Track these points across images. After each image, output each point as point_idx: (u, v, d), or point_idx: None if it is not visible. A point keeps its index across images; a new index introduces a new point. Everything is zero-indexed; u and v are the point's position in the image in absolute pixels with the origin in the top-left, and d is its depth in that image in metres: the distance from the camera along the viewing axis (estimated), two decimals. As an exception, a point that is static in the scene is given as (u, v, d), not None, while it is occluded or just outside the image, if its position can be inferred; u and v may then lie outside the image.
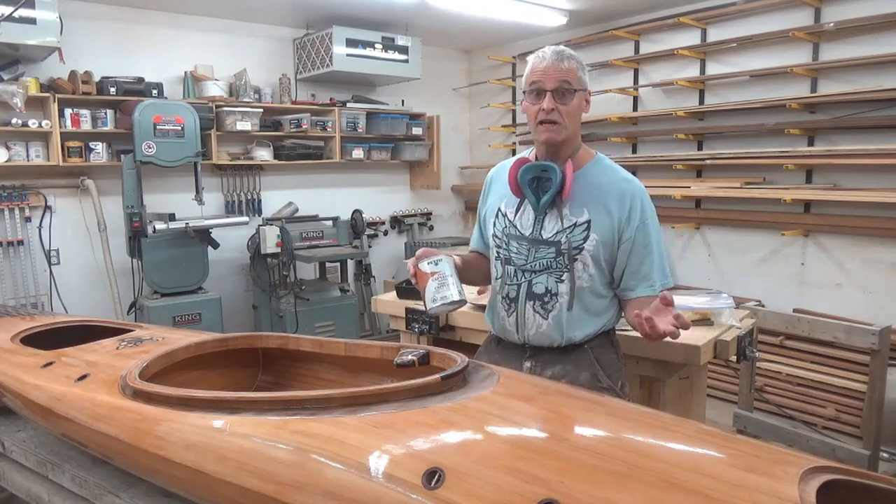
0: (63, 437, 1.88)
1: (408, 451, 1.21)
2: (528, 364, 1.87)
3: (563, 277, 1.79)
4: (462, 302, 1.76)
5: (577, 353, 1.84)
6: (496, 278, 1.93)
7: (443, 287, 1.75)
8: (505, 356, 1.91)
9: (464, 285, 1.82)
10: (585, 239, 1.77)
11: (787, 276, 4.39)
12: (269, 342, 2.07)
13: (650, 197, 1.83)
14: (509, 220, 1.88)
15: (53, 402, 1.79)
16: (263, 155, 5.02)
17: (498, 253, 1.91)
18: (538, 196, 1.79)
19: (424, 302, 1.78)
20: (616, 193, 1.77)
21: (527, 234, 1.83)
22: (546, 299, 1.81)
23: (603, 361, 1.86)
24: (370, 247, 5.83)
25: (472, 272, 1.99)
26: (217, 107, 4.69)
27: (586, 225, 1.77)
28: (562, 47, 1.78)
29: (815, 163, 4.06)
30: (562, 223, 1.78)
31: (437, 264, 1.78)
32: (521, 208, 1.85)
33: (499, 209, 1.91)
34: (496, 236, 1.91)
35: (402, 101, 5.90)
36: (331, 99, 5.39)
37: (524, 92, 1.79)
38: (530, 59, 1.79)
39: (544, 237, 1.80)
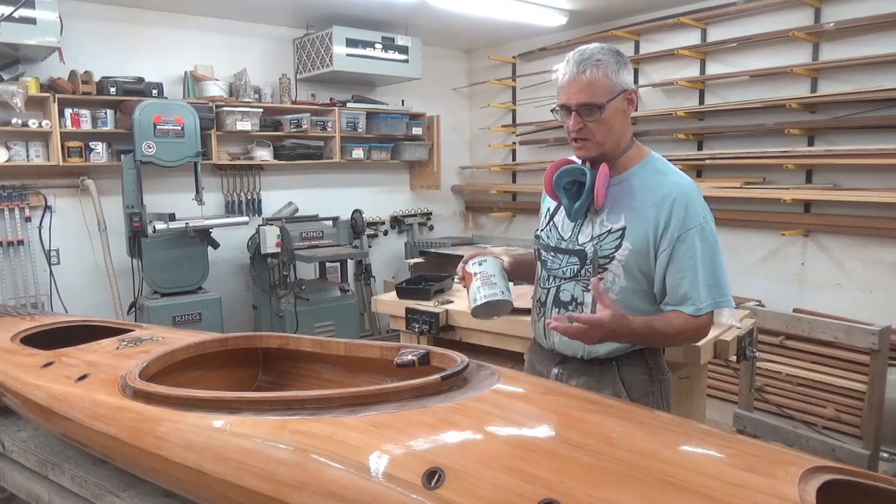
0: (63, 437, 1.88)
1: (408, 450, 1.21)
2: (555, 371, 1.79)
3: (589, 287, 1.63)
4: (506, 302, 1.72)
5: (602, 367, 1.72)
6: (536, 280, 1.85)
7: (485, 286, 1.72)
8: (538, 360, 1.87)
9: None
10: (617, 248, 1.62)
11: (787, 276, 4.39)
12: (269, 342, 2.07)
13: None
14: (553, 223, 1.78)
15: (53, 402, 1.79)
16: (263, 155, 5.02)
17: (538, 253, 1.83)
18: (573, 201, 1.67)
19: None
20: (658, 198, 1.60)
21: (565, 237, 1.73)
22: (571, 308, 1.69)
23: (629, 381, 1.71)
24: (370, 247, 5.83)
25: (530, 271, 1.92)
26: (217, 107, 4.69)
27: (620, 233, 1.62)
28: (585, 49, 1.60)
29: (815, 163, 4.06)
30: (597, 230, 1.66)
31: (481, 264, 1.77)
32: (561, 212, 1.75)
33: (548, 209, 1.82)
34: (538, 236, 1.83)
35: (402, 101, 5.90)
36: (331, 99, 5.39)
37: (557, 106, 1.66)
38: (557, 67, 1.63)
39: (581, 242, 1.68)
